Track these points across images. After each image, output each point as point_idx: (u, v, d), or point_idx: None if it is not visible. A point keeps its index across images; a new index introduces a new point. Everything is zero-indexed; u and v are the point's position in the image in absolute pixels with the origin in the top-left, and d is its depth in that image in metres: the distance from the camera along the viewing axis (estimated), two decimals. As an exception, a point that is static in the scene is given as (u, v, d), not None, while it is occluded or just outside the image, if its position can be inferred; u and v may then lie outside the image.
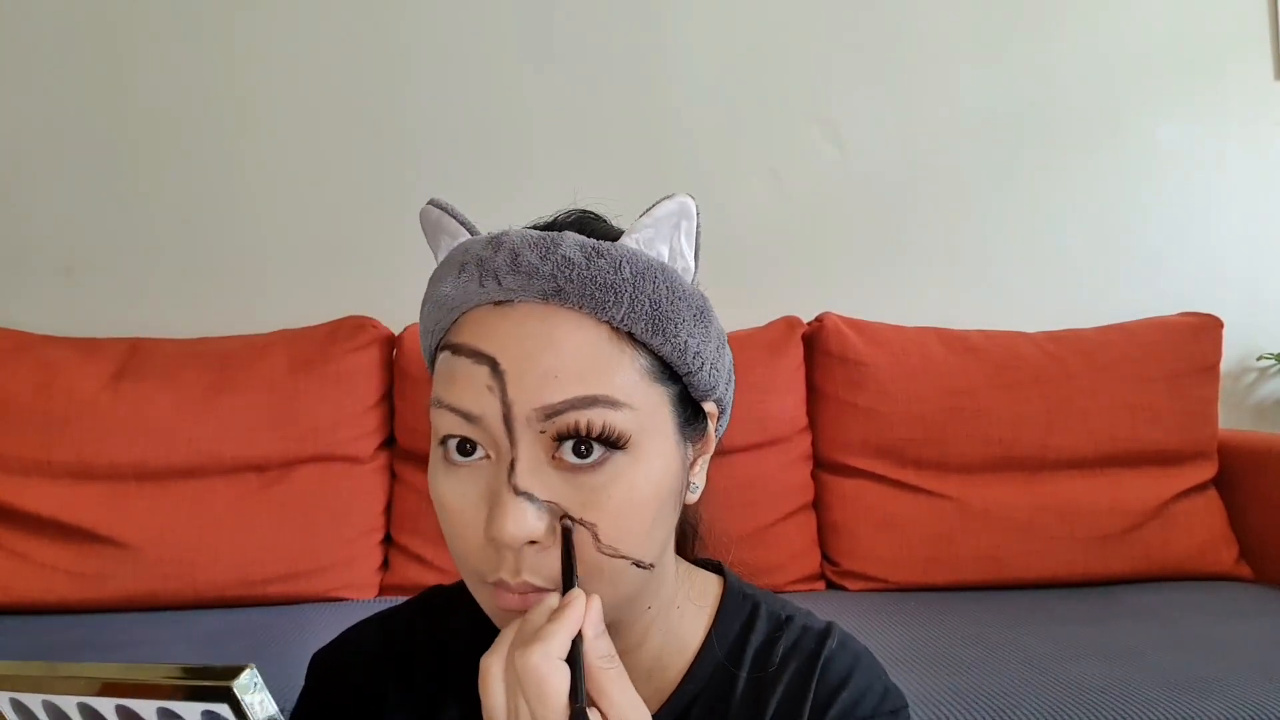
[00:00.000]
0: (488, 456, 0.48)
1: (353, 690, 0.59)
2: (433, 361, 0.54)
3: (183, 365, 1.59)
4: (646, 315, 0.48)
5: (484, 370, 0.47)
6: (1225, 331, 1.70)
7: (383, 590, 1.56)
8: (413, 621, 0.62)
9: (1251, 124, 2.00)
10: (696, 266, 0.53)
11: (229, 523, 1.51)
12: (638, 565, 0.49)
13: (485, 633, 0.56)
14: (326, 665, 0.61)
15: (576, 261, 0.48)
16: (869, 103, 1.97)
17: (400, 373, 1.63)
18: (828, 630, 0.59)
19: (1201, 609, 1.41)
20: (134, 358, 1.60)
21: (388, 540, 1.61)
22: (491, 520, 0.46)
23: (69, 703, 0.40)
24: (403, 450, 1.63)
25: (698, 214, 0.52)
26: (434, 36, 1.91)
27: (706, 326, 0.52)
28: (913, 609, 1.45)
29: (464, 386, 0.47)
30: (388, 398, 1.64)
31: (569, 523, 0.46)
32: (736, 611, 0.59)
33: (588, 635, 0.45)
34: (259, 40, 1.89)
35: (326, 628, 1.30)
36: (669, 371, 0.50)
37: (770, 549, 1.57)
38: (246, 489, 1.54)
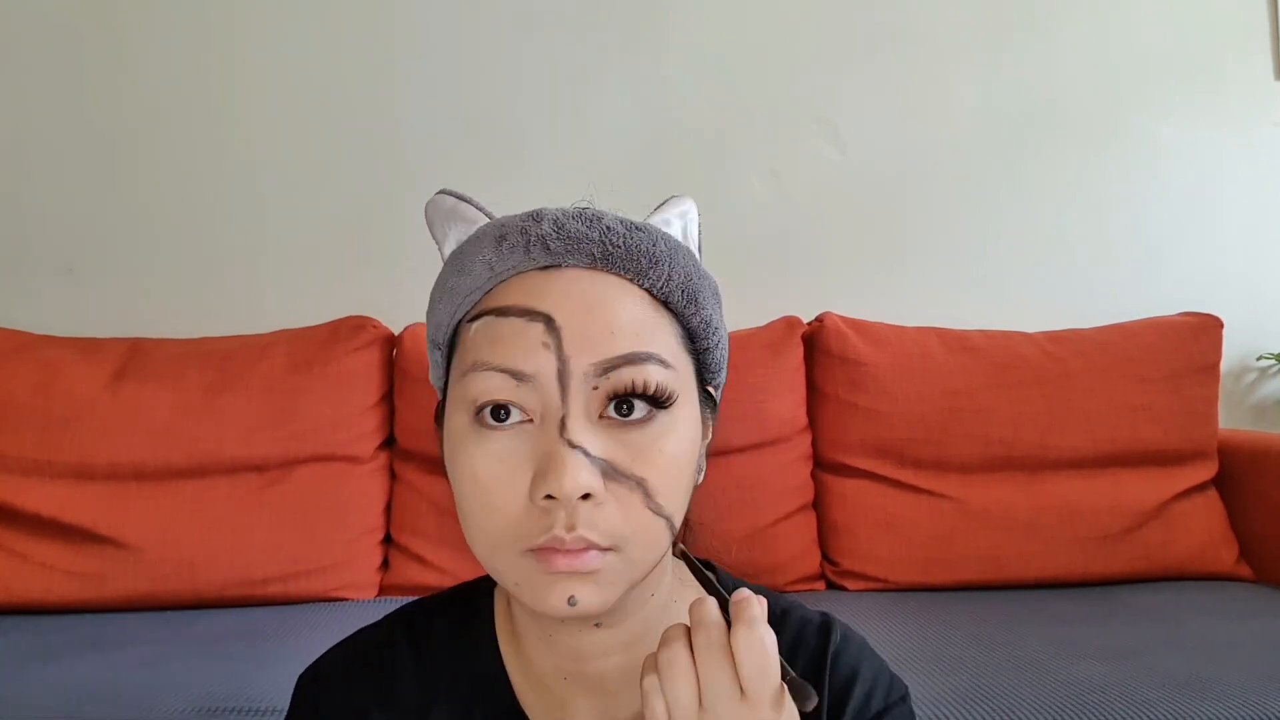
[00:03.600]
0: (529, 420, 0.48)
1: (334, 709, 0.59)
2: (450, 341, 0.54)
3: (183, 365, 1.59)
4: (681, 286, 0.51)
5: (538, 327, 0.47)
6: (1225, 331, 1.70)
7: (383, 590, 1.56)
8: (391, 634, 0.61)
9: (1251, 124, 2.00)
10: (700, 254, 0.57)
11: (229, 523, 1.50)
12: (670, 528, 0.50)
13: (466, 639, 0.56)
14: (309, 685, 0.61)
15: (619, 231, 0.51)
16: (869, 103, 1.97)
17: (400, 373, 1.63)
18: (828, 623, 0.59)
19: (1202, 609, 1.41)
20: (134, 358, 1.60)
21: (388, 540, 1.61)
22: (546, 477, 0.45)
23: None
24: (403, 450, 1.63)
25: (699, 217, 0.57)
26: (433, 37, 1.91)
27: (720, 308, 0.56)
28: (913, 609, 1.45)
29: (514, 345, 0.48)
30: (388, 398, 1.64)
31: (683, 548, 0.52)
32: None
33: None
34: (259, 40, 1.89)
35: (326, 628, 1.30)
36: (692, 345, 0.53)
37: (770, 549, 1.57)
38: (246, 489, 1.54)
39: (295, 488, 1.55)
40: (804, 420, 1.66)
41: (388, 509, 1.62)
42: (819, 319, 1.71)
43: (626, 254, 0.50)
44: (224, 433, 1.54)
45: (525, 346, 0.47)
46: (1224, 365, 1.71)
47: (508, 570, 0.49)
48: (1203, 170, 1.99)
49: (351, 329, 1.63)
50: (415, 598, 0.65)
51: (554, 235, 0.50)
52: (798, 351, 1.67)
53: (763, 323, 1.72)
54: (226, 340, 1.66)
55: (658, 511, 0.48)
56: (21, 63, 1.86)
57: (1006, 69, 1.98)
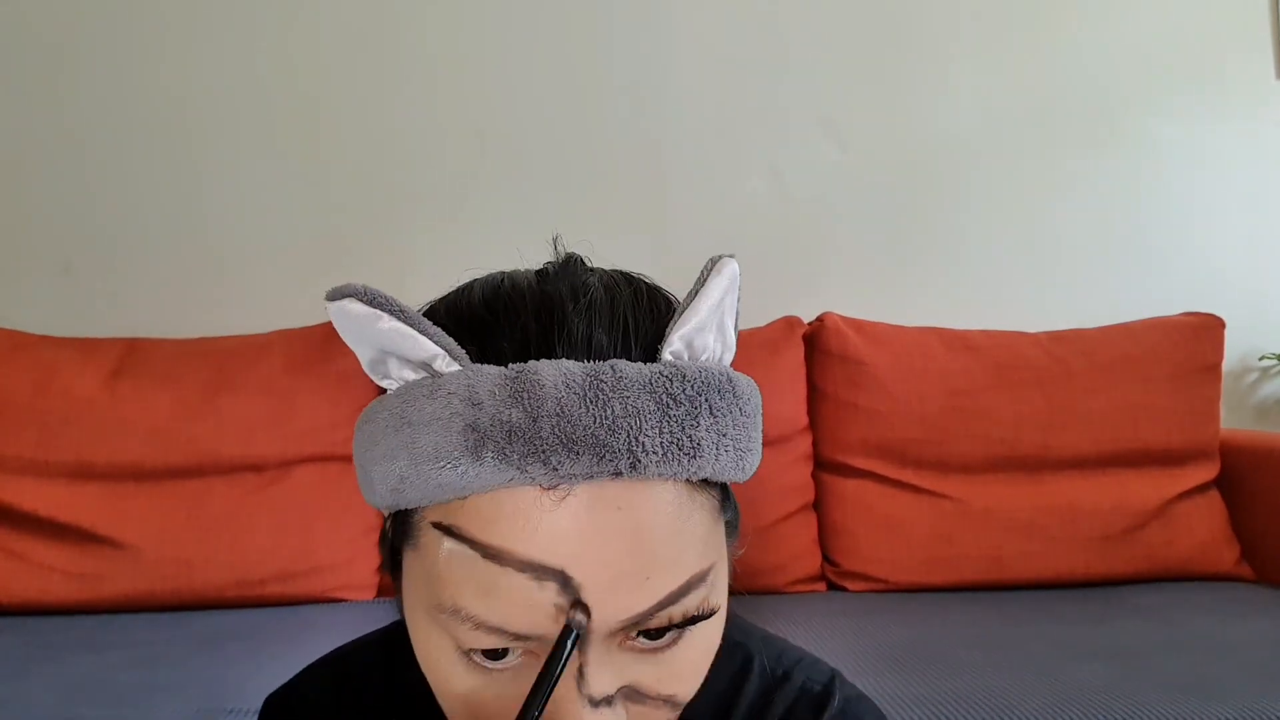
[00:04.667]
0: (531, 652, 0.38)
1: None
2: (402, 523, 0.41)
3: (181, 365, 1.59)
4: (732, 463, 0.40)
5: (550, 588, 0.36)
6: (1227, 331, 1.69)
7: (381, 591, 1.55)
8: (369, 664, 0.57)
9: (1251, 124, 1.99)
10: (736, 337, 0.44)
11: (227, 523, 1.50)
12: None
13: None
14: (277, 711, 0.57)
15: (649, 417, 0.36)
16: (869, 103, 1.96)
17: (399, 373, 1.62)
18: (827, 692, 0.51)
19: (1203, 610, 1.40)
20: (132, 357, 1.59)
21: (387, 541, 1.60)
22: None
23: None
24: (402, 450, 1.63)
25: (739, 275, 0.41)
26: (432, 34, 1.91)
27: (760, 424, 0.44)
28: (913, 609, 1.45)
29: (515, 608, 0.36)
30: (387, 398, 1.64)
31: (580, 622, 0.37)
32: (725, 665, 0.51)
33: None
34: (258, 38, 1.89)
35: (325, 628, 1.30)
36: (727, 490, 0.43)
37: (771, 549, 1.57)
38: (245, 489, 1.53)
39: (294, 488, 1.54)
40: (804, 420, 1.66)
41: (387, 509, 1.61)
42: (819, 319, 1.71)
43: (664, 457, 0.36)
44: (222, 432, 1.53)
45: (530, 609, 0.36)
46: (1225, 365, 1.71)
47: None
48: (1203, 170, 1.99)
49: (350, 329, 1.63)
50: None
51: (559, 446, 0.35)
52: (798, 351, 1.67)
53: (763, 323, 1.72)
54: (225, 340, 1.65)
55: (687, 704, 0.41)
56: (19, 61, 1.85)
57: (1007, 69, 1.98)
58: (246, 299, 1.85)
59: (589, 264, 0.46)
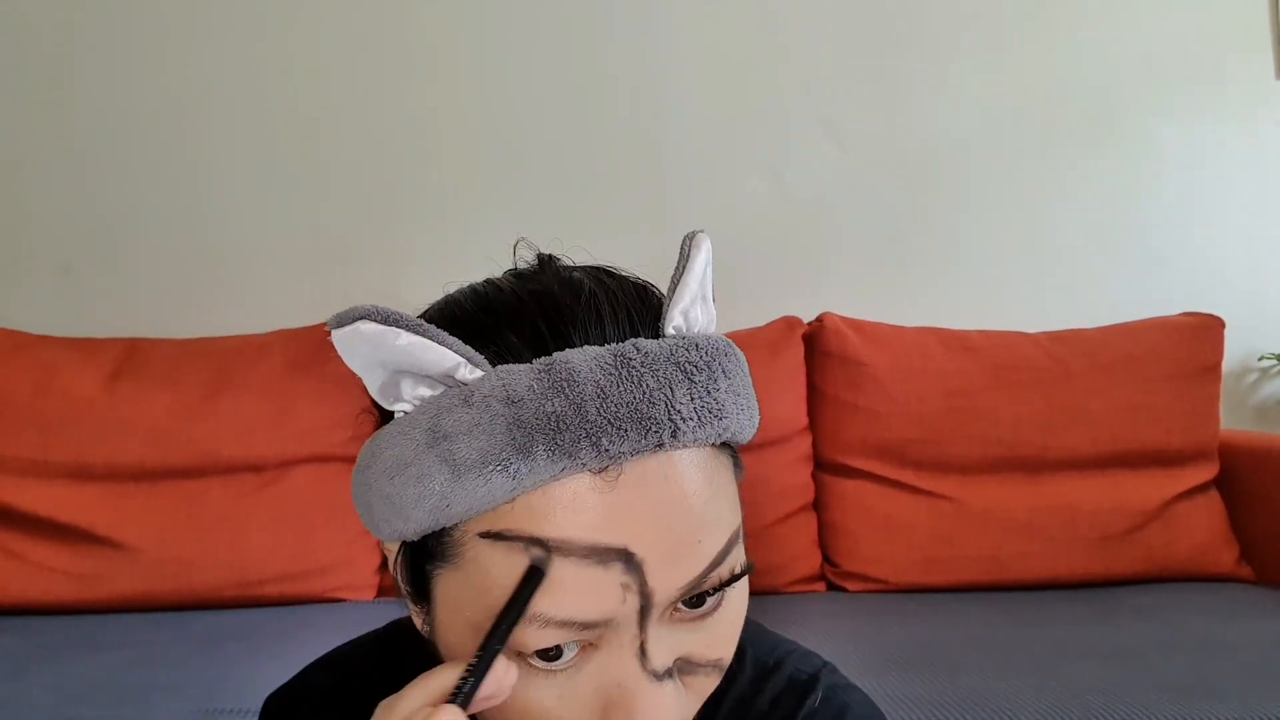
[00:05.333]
0: (590, 645, 0.39)
1: None
2: (434, 545, 0.41)
3: (181, 365, 1.59)
4: (747, 422, 0.42)
5: (615, 568, 0.37)
6: (1226, 331, 1.69)
7: (381, 591, 1.56)
8: (369, 662, 0.57)
9: (1252, 124, 1.99)
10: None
11: (227, 523, 1.50)
12: None
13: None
14: (278, 711, 0.58)
15: (679, 385, 0.38)
16: (869, 103, 1.96)
17: (399, 373, 1.62)
18: (812, 682, 0.51)
19: (1203, 610, 1.40)
20: (132, 358, 1.60)
21: (387, 541, 1.60)
22: (632, 715, 0.38)
23: None
24: (402, 450, 1.63)
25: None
26: (433, 35, 1.91)
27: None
28: (913, 610, 1.45)
29: (582, 595, 0.37)
30: (387, 398, 1.64)
31: (543, 558, 0.37)
32: None
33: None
34: (258, 39, 1.88)
35: (324, 629, 1.30)
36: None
37: (770, 550, 1.57)
38: (244, 489, 1.53)
39: (293, 488, 1.54)
40: (804, 421, 1.66)
41: (387, 509, 1.61)
42: (819, 319, 1.71)
43: (697, 422, 0.38)
44: (222, 433, 1.53)
45: (598, 594, 0.37)
46: (1225, 365, 1.71)
47: None
48: (1203, 170, 1.99)
49: (350, 329, 1.63)
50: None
51: (607, 425, 0.36)
52: (798, 351, 1.67)
53: (763, 323, 1.72)
54: (225, 340, 1.65)
55: (728, 665, 0.43)
56: (19, 61, 1.85)
57: (1007, 69, 1.98)
58: (246, 299, 1.85)
59: (563, 262, 0.47)
